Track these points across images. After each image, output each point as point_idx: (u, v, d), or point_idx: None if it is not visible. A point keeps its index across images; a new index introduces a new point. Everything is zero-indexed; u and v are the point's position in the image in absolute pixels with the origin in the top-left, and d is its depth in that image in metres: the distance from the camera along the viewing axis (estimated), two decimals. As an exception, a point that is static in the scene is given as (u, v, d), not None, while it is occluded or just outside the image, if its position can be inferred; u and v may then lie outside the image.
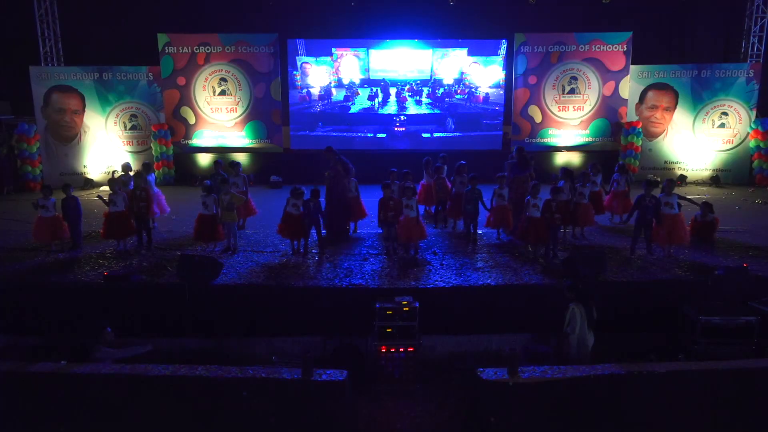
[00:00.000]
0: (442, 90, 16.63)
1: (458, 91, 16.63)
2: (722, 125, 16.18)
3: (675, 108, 16.39)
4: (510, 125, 16.79)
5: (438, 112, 16.74)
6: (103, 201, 10.04)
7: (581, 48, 16.31)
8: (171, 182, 16.28)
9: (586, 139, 16.73)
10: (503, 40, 16.38)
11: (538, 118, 16.67)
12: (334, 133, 16.74)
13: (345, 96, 16.64)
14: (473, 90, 16.62)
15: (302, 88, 16.62)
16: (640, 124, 16.37)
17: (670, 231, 9.31)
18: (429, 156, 12.00)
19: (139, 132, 16.58)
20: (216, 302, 8.38)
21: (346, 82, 16.58)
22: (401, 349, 7.39)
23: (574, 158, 16.42)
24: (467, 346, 8.40)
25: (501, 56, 16.44)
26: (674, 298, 8.41)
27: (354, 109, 16.72)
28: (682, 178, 15.96)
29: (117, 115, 16.44)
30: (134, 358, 6.49)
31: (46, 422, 5.34)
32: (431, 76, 16.56)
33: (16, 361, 5.97)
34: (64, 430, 5.30)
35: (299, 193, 9.57)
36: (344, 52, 16.42)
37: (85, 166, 16.39)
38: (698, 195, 13.78)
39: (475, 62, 16.47)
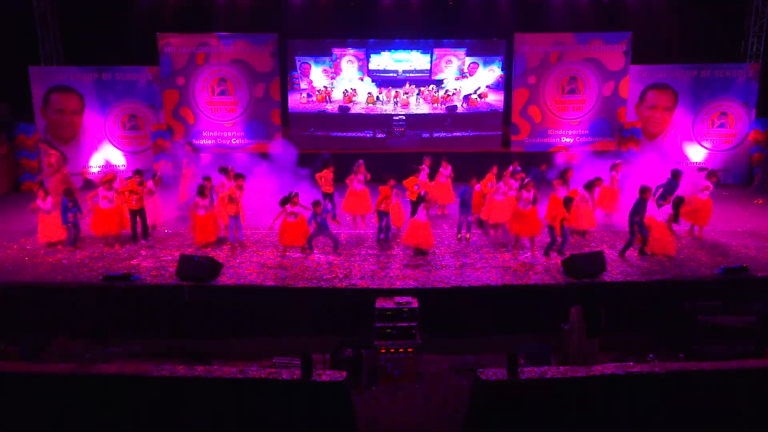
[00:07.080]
0: (441, 90, 16.61)
1: (457, 91, 16.62)
2: (722, 125, 16.18)
3: (675, 108, 16.39)
4: (509, 125, 16.77)
5: (437, 112, 16.72)
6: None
7: (581, 48, 16.28)
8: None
9: (586, 139, 16.71)
10: (503, 40, 16.37)
11: (537, 119, 16.65)
12: (334, 134, 16.71)
13: (344, 96, 16.62)
14: (472, 90, 16.60)
15: (302, 89, 16.60)
16: (640, 124, 16.36)
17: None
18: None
19: (139, 132, 16.56)
20: (216, 302, 8.39)
21: (345, 82, 16.56)
22: (401, 350, 7.40)
23: (574, 158, 16.39)
24: (467, 345, 8.41)
25: (500, 56, 16.42)
26: (674, 298, 8.42)
27: (353, 110, 16.70)
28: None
29: (117, 115, 16.42)
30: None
31: (45, 422, 5.33)
32: (430, 76, 16.54)
33: (15, 362, 5.98)
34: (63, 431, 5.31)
35: (296, 195, 9.60)
36: (344, 53, 16.41)
37: (84, 167, 16.36)
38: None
39: (474, 62, 16.45)
